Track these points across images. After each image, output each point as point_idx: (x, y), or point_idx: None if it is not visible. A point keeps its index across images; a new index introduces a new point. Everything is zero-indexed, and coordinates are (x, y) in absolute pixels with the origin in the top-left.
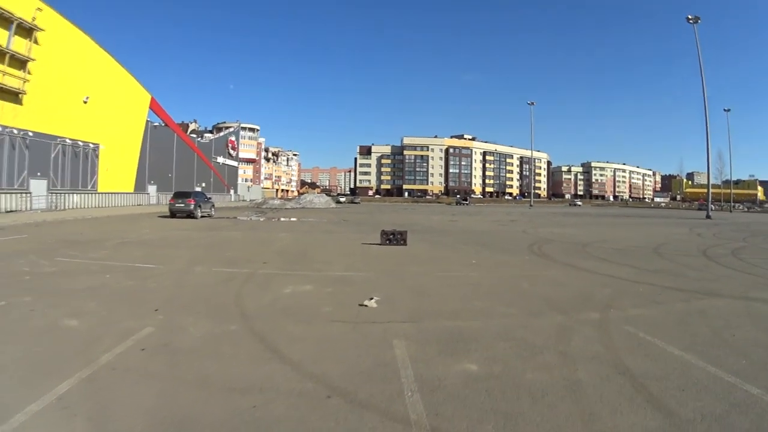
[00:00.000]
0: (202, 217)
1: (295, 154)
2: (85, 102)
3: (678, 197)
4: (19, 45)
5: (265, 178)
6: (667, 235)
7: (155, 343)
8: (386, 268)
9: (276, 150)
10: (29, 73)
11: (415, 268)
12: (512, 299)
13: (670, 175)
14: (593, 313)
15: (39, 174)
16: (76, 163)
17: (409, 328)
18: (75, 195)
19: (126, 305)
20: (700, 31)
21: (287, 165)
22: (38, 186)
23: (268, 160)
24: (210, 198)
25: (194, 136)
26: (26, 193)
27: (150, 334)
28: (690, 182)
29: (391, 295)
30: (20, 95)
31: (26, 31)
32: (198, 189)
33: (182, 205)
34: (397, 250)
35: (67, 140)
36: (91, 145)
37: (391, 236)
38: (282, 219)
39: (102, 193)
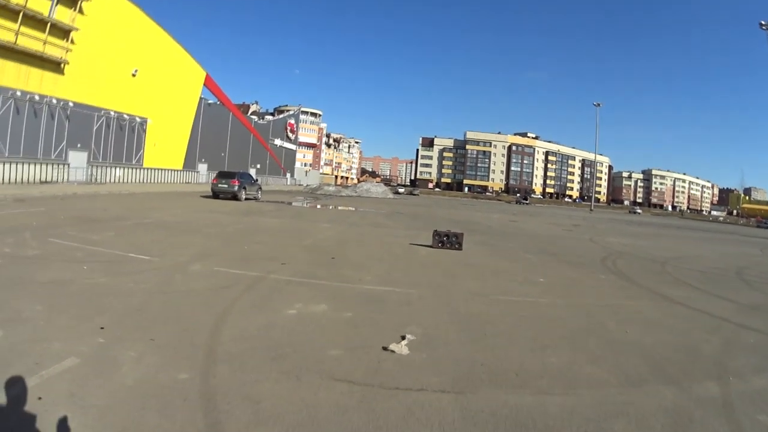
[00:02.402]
0: (246, 199)
1: (357, 142)
2: (134, 75)
3: (735, 212)
4: (62, 14)
5: (325, 164)
6: (741, 256)
7: (58, 393)
8: (433, 282)
9: (338, 136)
10: (72, 42)
11: (469, 284)
12: (599, 350)
13: (727, 188)
14: (710, 384)
15: (79, 145)
16: (120, 137)
17: (449, 406)
18: (118, 169)
19: (74, 314)
20: None
21: (348, 152)
22: (77, 158)
23: (329, 145)
24: (257, 180)
25: (254, 117)
26: (64, 164)
27: (66, 370)
28: (747, 197)
29: (433, 332)
30: (62, 65)
31: (70, 0)
32: (252, 170)
33: (225, 185)
34: (451, 255)
35: (112, 112)
36: (138, 119)
37: (445, 238)
38: (332, 207)
39: (147, 169)
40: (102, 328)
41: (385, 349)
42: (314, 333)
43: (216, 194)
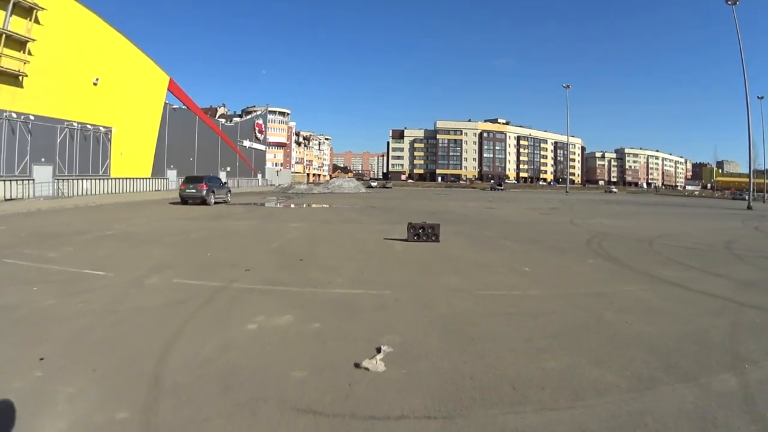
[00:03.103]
0: (216, 203)
1: (327, 138)
2: (95, 84)
3: (709, 186)
4: (17, 25)
5: (296, 163)
6: (725, 230)
7: None
8: (410, 280)
9: (307, 134)
10: (30, 54)
11: (449, 279)
12: (601, 348)
13: (700, 163)
14: (726, 376)
15: (43, 159)
16: (86, 148)
17: None
18: (85, 181)
19: (13, 344)
20: (738, 14)
21: (319, 149)
22: (42, 172)
23: (299, 144)
24: (226, 183)
25: (223, 120)
26: (28, 179)
27: None
28: (720, 171)
29: (412, 340)
30: (20, 77)
31: (26, 10)
32: (222, 173)
33: (193, 191)
34: (427, 248)
35: (75, 123)
36: (102, 129)
37: (421, 230)
38: (303, 205)
39: (115, 179)
40: (42, 359)
41: (357, 366)
42: (276, 351)
43: (184, 200)
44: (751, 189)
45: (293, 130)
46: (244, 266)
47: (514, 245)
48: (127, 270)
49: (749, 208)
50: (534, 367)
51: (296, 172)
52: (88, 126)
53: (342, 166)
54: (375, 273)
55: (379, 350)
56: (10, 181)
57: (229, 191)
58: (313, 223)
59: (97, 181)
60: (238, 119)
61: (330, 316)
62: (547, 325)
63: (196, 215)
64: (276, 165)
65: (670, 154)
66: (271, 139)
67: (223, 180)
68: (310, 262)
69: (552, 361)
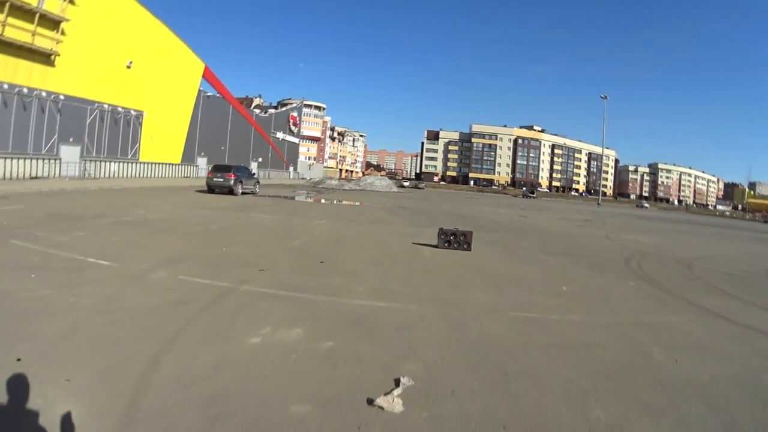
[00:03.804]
0: (243, 194)
1: (361, 135)
2: (129, 67)
3: (740, 207)
4: (52, 4)
5: (329, 158)
6: (762, 255)
7: None
8: (438, 295)
9: (342, 130)
10: (63, 33)
11: (481, 295)
12: (652, 395)
13: (732, 183)
14: None
15: (72, 140)
16: (115, 130)
17: None
18: (113, 163)
19: None
20: None
21: (353, 145)
22: (70, 152)
23: (333, 139)
24: (255, 173)
25: (258, 111)
26: (56, 159)
27: None
28: (752, 192)
29: (437, 372)
30: (52, 57)
31: None
32: (253, 164)
33: (221, 180)
34: (458, 257)
35: (105, 105)
36: (134, 112)
37: (452, 237)
38: (332, 201)
39: (144, 163)
40: (19, 359)
41: (371, 403)
42: (278, 375)
43: (211, 189)
44: None
45: (328, 125)
46: (259, 265)
47: (550, 259)
48: (134, 261)
49: None
50: (577, 416)
51: (329, 167)
52: (119, 108)
53: (375, 163)
54: (400, 282)
55: (397, 383)
56: (37, 159)
57: (258, 182)
58: (340, 221)
59: (125, 164)
60: (273, 111)
61: (345, 333)
62: (590, 361)
63: (220, 205)
64: (309, 159)
65: (703, 172)
66: (305, 132)
67: (253, 170)
68: (331, 265)
69: (597, 409)
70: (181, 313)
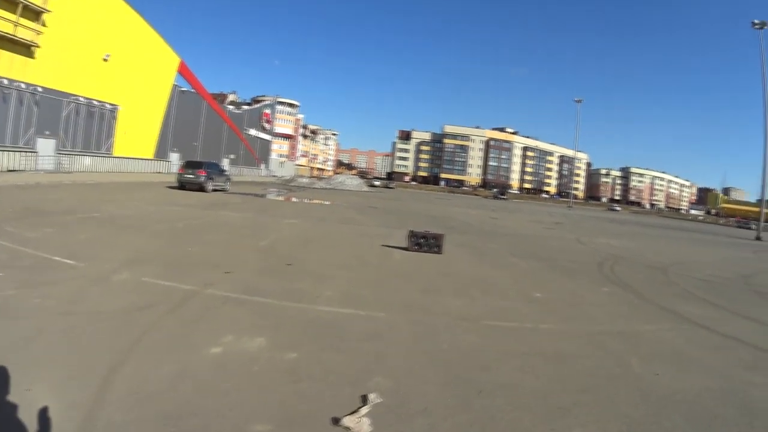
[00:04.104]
0: (214, 190)
1: (334, 134)
2: (106, 60)
3: (713, 212)
4: None
5: (301, 155)
6: (738, 261)
7: None
8: (408, 301)
9: (315, 128)
10: (44, 24)
11: (453, 302)
12: (633, 410)
13: (706, 188)
14: None
15: (48, 133)
16: (90, 124)
17: None
18: (87, 157)
19: None
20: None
21: (325, 144)
22: (46, 145)
23: (305, 137)
24: (226, 170)
25: (232, 107)
26: (32, 152)
27: None
28: (726, 197)
29: (407, 387)
30: (32, 48)
31: None
32: (225, 160)
33: (191, 176)
34: (429, 261)
35: (81, 99)
36: (108, 106)
37: (422, 240)
38: (302, 200)
39: (117, 158)
40: None
41: (336, 422)
42: (238, 390)
43: (182, 185)
44: (762, 219)
45: (301, 123)
46: (225, 267)
47: (522, 263)
48: (100, 261)
49: (758, 238)
50: None
51: (300, 165)
52: (95, 102)
53: (346, 162)
54: (369, 287)
55: (365, 400)
56: (15, 152)
57: (229, 179)
58: (310, 220)
59: (99, 158)
60: (246, 107)
61: (310, 343)
62: (567, 373)
63: (190, 202)
64: (281, 156)
65: (676, 177)
66: (278, 129)
67: (224, 167)
68: (298, 267)
69: (577, 428)
70: (143, 319)
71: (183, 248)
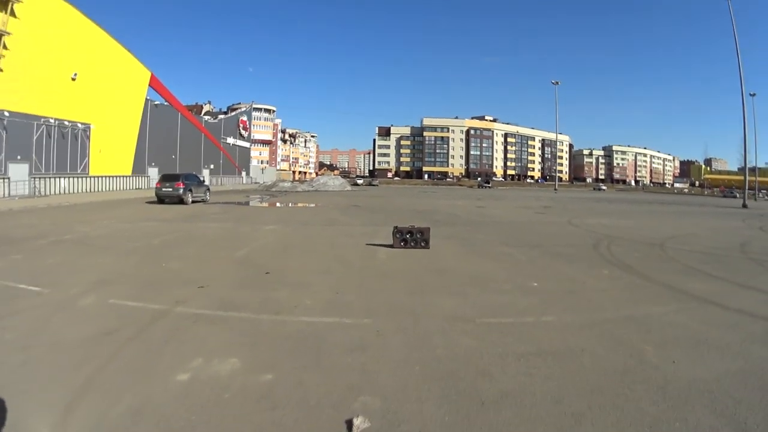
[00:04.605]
0: (194, 202)
1: (313, 136)
2: (74, 79)
3: (697, 183)
4: None
5: (282, 160)
6: (731, 231)
7: None
8: (396, 304)
9: (293, 131)
10: (5, 47)
11: (445, 300)
12: (653, 406)
13: (688, 160)
14: None
15: (19, 157)
16: (63, 145)
17: None
18: (62, 179)
19: None
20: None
21: (305, 147)
22: (18, 170)
23: (285, 141)
24: (204, 180)
25: (208, 117)
26: (4, 178)
27: None
28: (708, 168)
29: (400, 403)
30: None
31: (2, 2)
32: (205, 171)
33: (170, 189)
34: (416, 257)
35: (52, 120)
36: (81, 125)
37: (408, 235)
38: (284, 204)
39: (94, 177)
40: None
41: None
42: (206, 424)
43: (161, 199)
44: (746, 187)
45: (279, 128)
46: (199, 282)
47: (515, 251)
48: (65, 286)
49: (744, 206)
50: None
51: (282, 170)
52: (66, 122)
53: (328, 163)
54: (353, 292)
55: (350, 426)
56: None
57: (208, 190)
58: (291, 224)
59: (75, 179)
60: (222, 116)
61: (288, 361)
62: (577, 371)
63: (168, 216)
64: (261, 162)
65: (658, 152)
66: (256, 136)
67: (203, 178)
68: (278, 275)
69: None
70: (105, 346)
71: (156, 265)
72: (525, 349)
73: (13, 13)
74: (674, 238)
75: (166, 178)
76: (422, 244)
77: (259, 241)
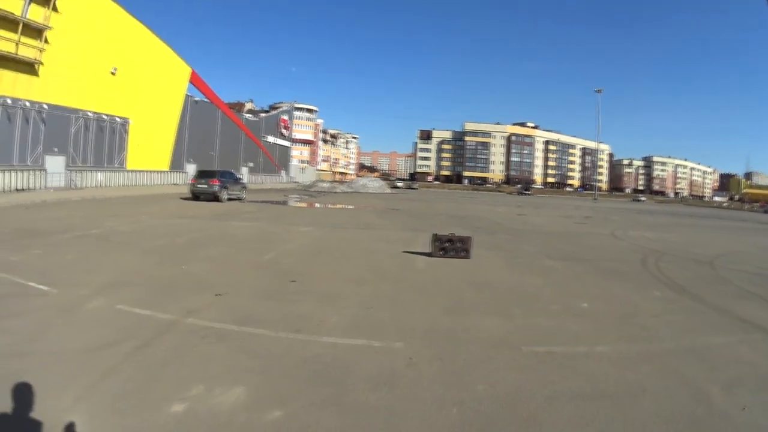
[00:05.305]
0: (229, 200)
1: (354, 137)
2: (113, 73)
3: (737, 197)
4: (35, 13)
5: (323, 160)
6: None
7: None
8: (432, 325)
9: (335, 132)
10: (46, 42)
11: (487, 321)
12: None
13: (728, 173)
14: None
15: (56, 150)
16: (101, 139)
17: None
18: (99, 173)
19: None
20: None
21: (346, 147)
22: (55, 163)
23: (326, 142)
24: (241, 178)
25: (249, 115)
26: (40, 170)
27: None
28: (748, 182)
29: None
30: (36, 66)
31: None
32: (244, 169)
33: (205, 186)
34: (456, 268)
35: (90, 114)
36: (119, 120)
37: (448, 244)
38: (321, 205)
39: (131, 171)
40: None
41: None
42: None
43: (196, 196)
44: None
45: (320, 128)
46: (218, 288)
47: (559, 266)
48: (76, 286)
49: None
50: None
51: (322, 170)
52: (104, 116)
53: (369, 165)
54: (385, 307)
55: None
56: (23, 171)
57: (245, 187)
58: (326, 227)
59: (112, 173)
60: (263, 114)
61: (303, 395)
62: (639, 419)
63: (200, 213)
64: (301, 162)
65: (698, 164)
66: (297, 135)
67: (239, 175)
68: (304, 284)
69: None
70: (99, 363)
71: (176, 266)
72: (579, 389)
73: (55, 8)
74: (723, 256)
75: (201, 175)
76: (463, 253)
77: (290, 243)
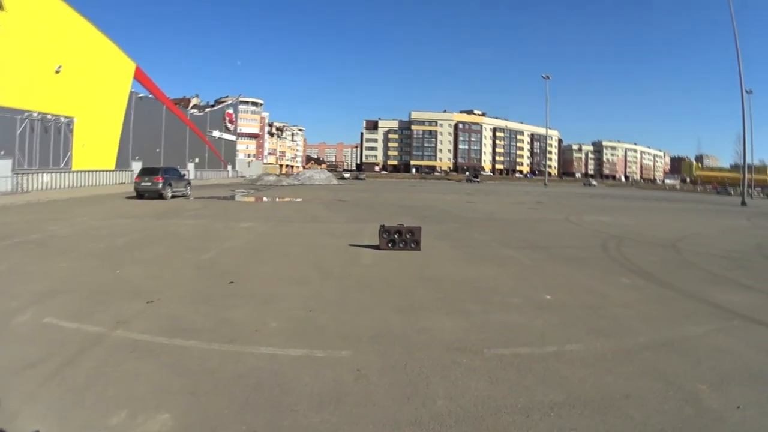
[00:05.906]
0: (174, 197)
1: (300, 129)
2: (57, 72)
3: (688, 180)
4: None
5: (269, 154)
6: (740, 230)
7: None
8: (382, 328)
9: (281, 125)
10: None
11: (442, 321)
12: None
13: (679, 156)
14: None
15: (2, 153)
16: (46, 139)
17: None
18: (45, 175)
19: None
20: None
21: (292, 140)
22: (1, 166)
23: (272, 135)
24: (185, 175)
25: (194, 110)
26: None
27: None
28: (699, 165)
29: None
30: None
31: None
32: (190, 165)
33: (148, 184)
34: (406, 261)
35: (34, 114)
36: (64, 119)
37: (396, 235)
38: (268, 199)
39: (77, 172)
40: None
41: None
42: None
43: (140, 194)
44: (744, 184)
45: (266, 121)
46: (150, 293)
47: (516, 254)
48: (8, 296)
49: (743, 204)
50: None
51: (269, 164)
52: (49, 116)
53: (315, 157)
54: (330, 309)
55: None
56: None
57: (189, 184)
58: (270, 222)
59: (58, 174)
60: (208, 109)
61: (235, 420)
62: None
63: (143, 212)
64: (248, 156)
65: (649, 148)
66: (243, 129)
67: (184, 171)
68: (242, 286)
69: None
70: (19, 386)
71: (111, 271)
72: (553, 397)
73: (1, 7)
74: (685, 239)
75: (144, 172)
76: (412, 245)
77: (233, 241)
